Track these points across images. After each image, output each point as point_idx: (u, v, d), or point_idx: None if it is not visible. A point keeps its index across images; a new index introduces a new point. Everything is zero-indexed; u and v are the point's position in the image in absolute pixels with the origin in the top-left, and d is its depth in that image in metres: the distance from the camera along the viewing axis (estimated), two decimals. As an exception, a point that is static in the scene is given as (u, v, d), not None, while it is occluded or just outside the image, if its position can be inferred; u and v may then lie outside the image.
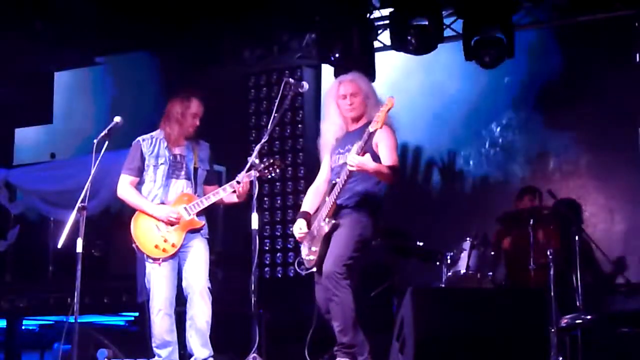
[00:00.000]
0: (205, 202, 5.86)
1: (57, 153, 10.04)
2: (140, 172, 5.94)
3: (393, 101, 5.07)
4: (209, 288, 5.80)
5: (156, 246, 5.80)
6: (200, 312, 5.75)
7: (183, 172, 5.94)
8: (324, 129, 5.67)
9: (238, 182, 5.69)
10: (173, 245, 5.80)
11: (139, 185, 5.95)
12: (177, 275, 5.86)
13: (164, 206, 5.84)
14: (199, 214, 5.89)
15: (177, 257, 5.86)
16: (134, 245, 5.85)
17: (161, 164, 5.91)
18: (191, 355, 5.77)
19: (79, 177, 5.98)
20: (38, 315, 8.37)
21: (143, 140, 5.98)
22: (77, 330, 5.46)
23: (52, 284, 8.30)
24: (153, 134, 6.02)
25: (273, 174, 5.73)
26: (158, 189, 5.90)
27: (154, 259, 5.80)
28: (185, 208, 5.85)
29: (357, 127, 5.53)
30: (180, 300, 5.90)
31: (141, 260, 5.94)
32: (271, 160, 5.70)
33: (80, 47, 9.40)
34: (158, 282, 5.79)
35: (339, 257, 5.26)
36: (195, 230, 5.88)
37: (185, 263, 5.85)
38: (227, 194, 5.81)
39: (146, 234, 5.83)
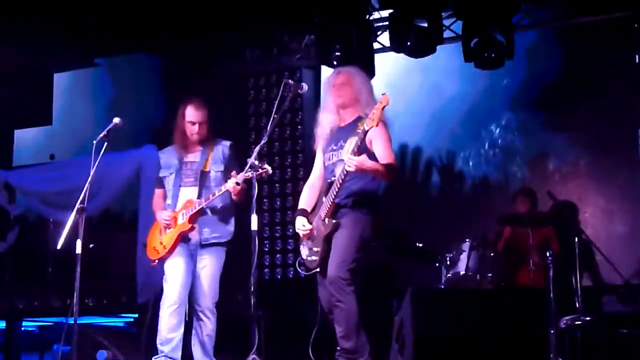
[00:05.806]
0: (198, 206, 5.89)
1: (56, 154, 10.03)
2: (161, 182, 6.12)
3: (388, 98, 5.02)
4: (215, 304, 5.91)
5: (154, 248, 6.04)
6: (203, 326, 5.90)
7: (192, 179, 6.03)
8: (321, 118, 5.66)
9: (237, 184, 5.66)
10: (164, 247, 5.96)
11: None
12: (190, 275, 5.91)
13: (163, 211, 6.01)
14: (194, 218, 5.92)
15: (193, 258, 5.92)
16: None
17: (170, 173, 6.07)
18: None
19: (78, 178, 5.98)
20: (37, 316, 8.36)
21: (162, 152, 6.19)
22: (76, 332, 5.46)
23: (51, 285, 8.29)
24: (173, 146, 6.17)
25: (259, 178, 5.54)
26: (170, 198, 6.06)
27: (152, 260, 6.05)
28: (182, 213, 5.95)
29: (349, 122, 5.49)
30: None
31: (141, 262, 5.98)
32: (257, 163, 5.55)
33: (80, 48, 9.40)
34: (168, 279, 5.91)
35: (343, 263, 5.22)
36: (187, 234, 5.92)
37: (196, 276, 5.92)
38: (220, 194, 5.82)
39: (152, 238, 6.10)
